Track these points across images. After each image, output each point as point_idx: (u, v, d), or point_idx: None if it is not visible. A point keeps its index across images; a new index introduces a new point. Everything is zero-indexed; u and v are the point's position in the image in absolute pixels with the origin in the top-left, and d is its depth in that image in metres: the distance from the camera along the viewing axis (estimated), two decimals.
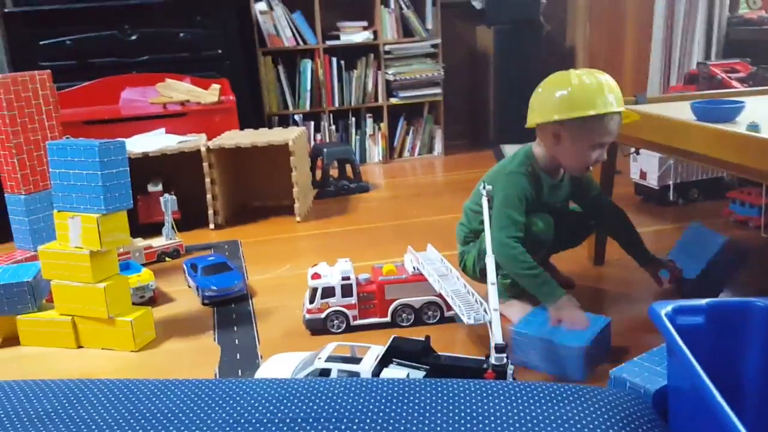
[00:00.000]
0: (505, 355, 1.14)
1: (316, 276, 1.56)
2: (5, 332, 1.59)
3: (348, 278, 1.55)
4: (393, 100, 3.52)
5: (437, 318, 1.57)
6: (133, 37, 2.94)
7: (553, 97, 1.45)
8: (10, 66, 3.22)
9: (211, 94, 2.78)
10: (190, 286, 1.87)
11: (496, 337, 1.17)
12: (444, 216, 2.47)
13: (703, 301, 0.93)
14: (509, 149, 3.52)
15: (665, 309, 0.89)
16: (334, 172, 3.00)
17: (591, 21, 3.76)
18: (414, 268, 1.60)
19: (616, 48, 3.55)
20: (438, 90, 3.55)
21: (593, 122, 1.42)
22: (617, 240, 1.70)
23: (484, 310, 1.30)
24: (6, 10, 2.92)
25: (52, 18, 2.85)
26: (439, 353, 1.23)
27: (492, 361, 1.14)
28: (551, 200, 1.59)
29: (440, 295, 1.50)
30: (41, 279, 1.57)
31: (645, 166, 2.41)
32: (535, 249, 1.49)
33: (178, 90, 2.80)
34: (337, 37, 3.42)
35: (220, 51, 3.03)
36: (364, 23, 3.46)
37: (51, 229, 1.55)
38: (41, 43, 2.86)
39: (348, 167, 3.02)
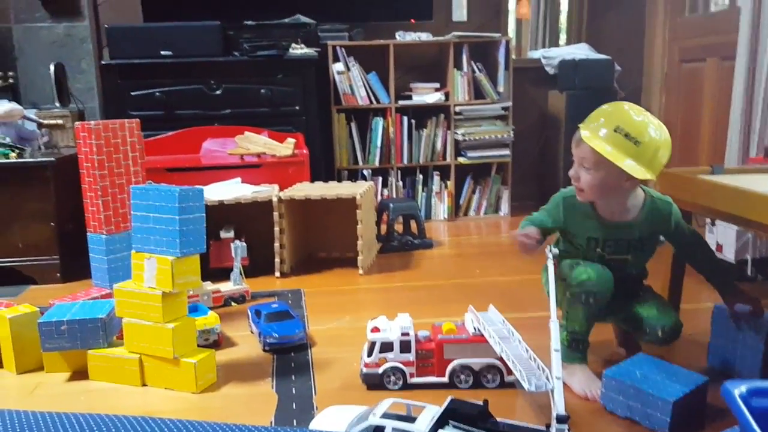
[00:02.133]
0: (566, 426, 1.10)
1: (375, 329, 1.56)
2: (76, 365, 1.66)
3: (407, 334, 1.54)
4: (461, 160, 3.55)
5: (497, 382, 1.53)
6: (218, 92, 3.11)
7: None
8: (103, 114, 3.46)
9: (285, 147, 2.89)
10: (253, 332, 1.91)
11: (558, 406, 1.13)
12: (507, 277, 2.44)
13: None
14: None
15: (739, 389, 0.85)
16: (399, 227, 3.03)
17: (667, 89, 3.71)
18: (475, 328, 1.57)
19: (693, 117, 3.48)
20: (507, 151, 3.56)
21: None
22: (697, 268, 1.60)
23: (546, 378, 1.26)
24: (103, 62, 3.15)
25: (144, 71, 3.06)
26: (498, 419, 1.20)
27: (553, 431, 1.10)
28: (608, 251, 1.53)
29: (501, 359, 1.47)
30: (114, 316, 1.63)
31: (721, 239, 2.32)
32: (582, 302, 1.44)
33: (255, 142, 2.93)
34: (410, 97, 3.51)
35: (297, 107, 3.16)
36: (437, 85, 3.54)
37: (128, 268, 1.62)
38: (132, 93, 3.07)
39: (413, 223, 3.04)
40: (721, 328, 1.58)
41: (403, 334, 1.54)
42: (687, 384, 1.33)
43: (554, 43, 4.15)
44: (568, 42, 4.00)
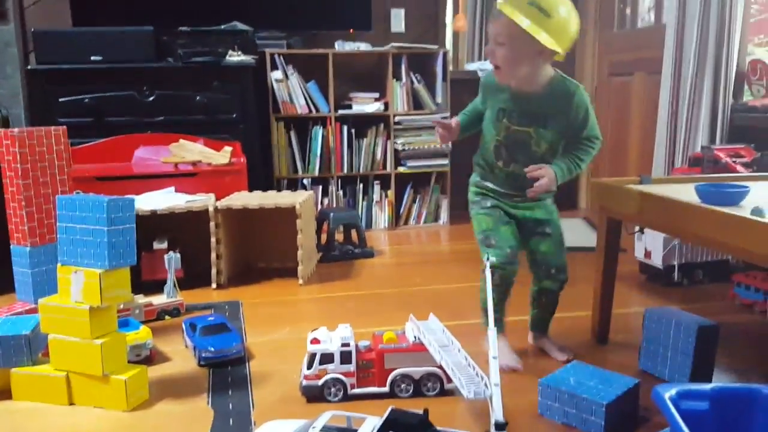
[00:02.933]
0: None
1: (315, 341, 1.54)
2: None
3: (347, 345, 1.53)
4: (401, 169, 3.57)
5: (437, 390, 1.54)
6: (151, 98, 3.02)
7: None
8: (29, 121, 3.31)
9: (222, 155, 2.83)
10: (187, 346, 1.85)
11: (497, 413, 1.14)
12: (448, 285, 2.46)
13: (708, 386, 0.91)
14: None
15: (669, 392, 0.88)
16: (339, 237, 3.01)
17: (596, 101, 3.85)
18: (415, 337, 1.58)
19: (622, 129, 3.62)
20: (446, 161, 3.60)
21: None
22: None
23: (485, 385, 1.27)
24: (29, 67, 3.02)
25: (73, 76, 2.94)
26: (438, 428, 1.20)
27: None
28: (513, 122, 1.64)
29: (441, 367, 1.47)
30: (39, 332, 1.56)
31: (650, 245, 2.41)
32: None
33: (190, 151, 2.86)
34: (349, 107, 3.51)
35: (234, 115, 3.10)
36: (376, 95, 3.55)
37: (53, 282, 1.54)
38: (61, 99, 2.94)
39: (353, 232, 3.03)
40: (651, 333, 1.64)
41: (343, 345, 1.53)
42: (619, 387, 1.38)
43: None
44: None
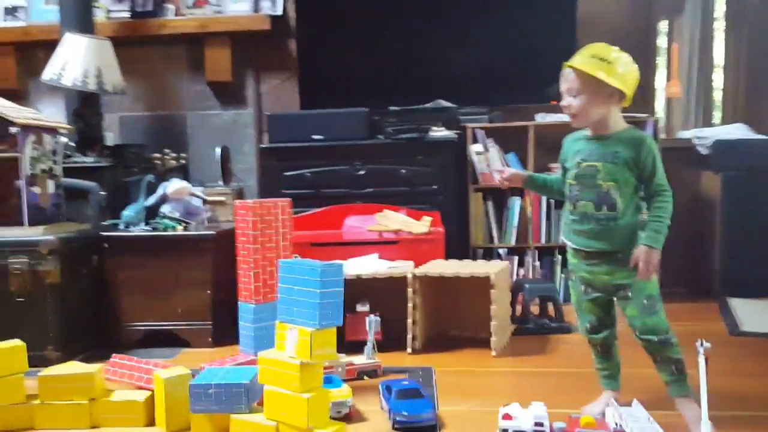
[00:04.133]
0: None
1: (507, 417, 1.52)
2: (219, 428, 1.74)
3: (541, 424, 1.49)
4: None
5: None
6: (362, 172, 3.29)
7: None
8: (260, 191, 3.78)
9: (422, 225, 2.96)
10: (383, 408, 1.92)
11: None
12: (653, 370, 2.27)
13: None
14: (737, 303, 3.18)
15: None
16: (535, 310, 2.95)
17: None
18: (616, 424, 1.48)
19: None
20: None
21: None
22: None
23: None
24: (262, 146, 3.47)
25: (298, 153, 3.32)
26: None
27: None
28: (584, 158, 1.76)
29: None
30: (256, 383, 1.72)
31: None
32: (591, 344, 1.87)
33: (394, 220, 3.04)
34: None
35: (435, 186, 3.25)
36: None
37: (272, 337, 1.70)
38: (286, 173, 3.33)
39: (550, 305, 2.94)
40: None
41: (536, 424, 1.49)
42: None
43: (707, 123, 3.95)
44: (723, 122, 3.78)
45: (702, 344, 1.40)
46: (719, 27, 3.82)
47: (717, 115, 3.98)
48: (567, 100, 1.74)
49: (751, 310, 3.03)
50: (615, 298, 1.81)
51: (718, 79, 3.93)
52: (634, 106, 3.54)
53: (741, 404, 1.69)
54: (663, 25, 3.97)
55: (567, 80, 1.74)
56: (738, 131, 3.46)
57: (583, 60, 1.71)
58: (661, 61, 3.96)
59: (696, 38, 3.85)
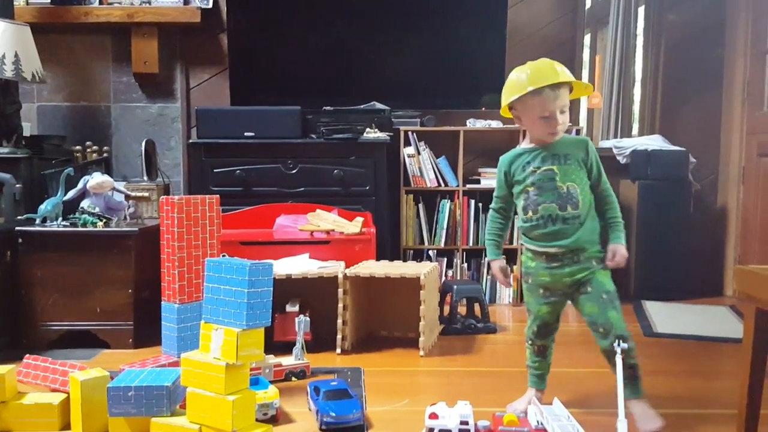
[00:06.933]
0: None
1: (433, 416, 1.54)
2: None
3: (466, 423, 1.51)
4: None
5: None
6: (294, 171, 3.26)
7: (507, 85, 1.77)
8: (187, 188, 3.67)
9: (354, 225, 2.96)
10: (310, 409, 1.91)
11: None
12: (574, 369, 2.36)
13: None
14: (651, 306, 3.34)
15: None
16: (462, 310, 3.00)
17: (745, 183, 3.61)
18: (537, 422, 1.53)
19: None
20: None
21: (531, 99, 1.71)
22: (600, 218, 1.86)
23: None
24: (190, 141, 3.38)
25: (228, 150, 3.25)
26: None
27: None
28: (538, 165, 1.78)
29: None
30: (179, 385, 1.68)
31: None
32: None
33: (325, 220, 3.02)
34: (478, 181, 3.56)
35: (367, 187, 3.26)
36: None
37: (196, 338, 1.67)
38: (215, 170, 3.25)
39: (476, 306, 3.01)
40: None
41: (462, 423, 1.51)
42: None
43: (626, 133, 4.14)
44: (641, 133, 3.98)
45: (619, 344, 1.46)
46: (639, 42, 4.01)
47: (635, 127, 4.19)
48: (561, 117, 1.75)
49: (664, 313, 3.20)
50: (570, 301, 1.84)
51: (636, 93, 4.14)
52: None
53: (657, 403, 1.78)
54: (587, 38, 4.13)
55: (562, 97, 1.74)
56: (654, 142, 3.65)
57: (562, 70, 1.74)
58: (584, 73, 4.12)
59: (617, 52, 4.03)
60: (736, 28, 3.70)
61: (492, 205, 1.93)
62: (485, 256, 3.57)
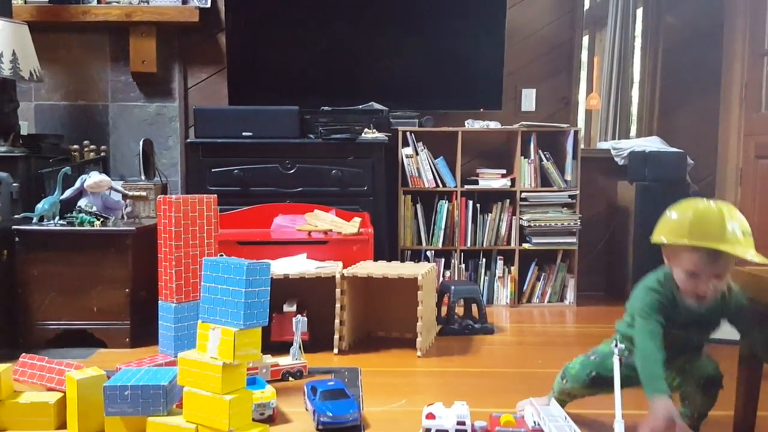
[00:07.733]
0: None
1: (430, 416, 1.54)
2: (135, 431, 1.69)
3: (463, 423, 1.51)
4: (526, 245, 3.52)
5: None
6: (292, 171, 3.26)
7: (668, 218, 1.51)
8: (185, 188, 3.67)
9: (352, 225, 2.96)
10: (307, 409, 1.91)
11: None
12: None
13: None
14: None
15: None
16: (459, 311, 3.00)
17: (742, 184, 3.62)
18: (535, 422, 1.53)
19: None
20: (573, 239, 3.51)
21: (684, 251, 1.44)
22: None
23: None
24: (188, 140, 3.37)
25: (226, 149, 3.25)
26: None
27: None
28: (687, 320, 1.53)
29: None
30: (176, 384, 1.67)
31: None
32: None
33: (323, 220, 3.02)
34: (476, 182, 3.56)
35: (365, 188, 3.26)
36: (503, 171, 3.58)
37: (193, 337, 1.66)
38: (213, 170, 3.25)
39: (474, 307, 3.01)
40: None
41: (459, 423, 1.51)
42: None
43: (624, 134, 4.15)
44: (639, 134, 3.99)
45: (617, 345, 1.46)
46: (638, 44, 4.02)
47: (633, 128, 4.20)
48: (709, 285, 1.47)
49: None
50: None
51: (634, 94, 4.14)
52: (557, 118, 3.73)
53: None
54: (585, 40, 4.14)
55: (720, 265, 1.45)
56: (652, 144, 3.65)
57: (741, 239, 1.42)
58: (582, 74, 4.12)
59: (615, 53, 4.04)
60: (733, 30, 3.71)
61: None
62: (482, 256, 3.57)
